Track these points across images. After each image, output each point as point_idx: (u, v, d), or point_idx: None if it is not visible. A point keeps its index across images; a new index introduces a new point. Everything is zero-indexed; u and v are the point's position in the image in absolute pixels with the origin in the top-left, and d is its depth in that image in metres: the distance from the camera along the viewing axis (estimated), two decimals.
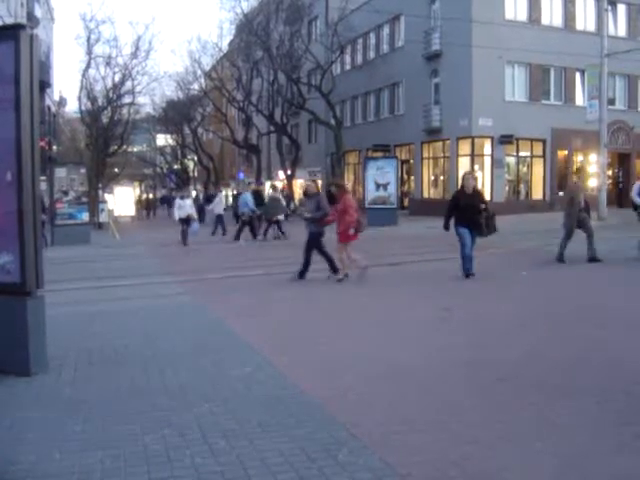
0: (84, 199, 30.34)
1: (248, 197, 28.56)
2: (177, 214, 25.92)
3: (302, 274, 14.69)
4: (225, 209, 33.58)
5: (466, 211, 13.94)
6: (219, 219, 31.49)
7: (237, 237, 27.12)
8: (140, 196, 77.87)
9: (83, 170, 31.55)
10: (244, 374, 7.26)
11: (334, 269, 14.71)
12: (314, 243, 14.77)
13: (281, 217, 27.85)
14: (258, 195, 31.04)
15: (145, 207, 63.90)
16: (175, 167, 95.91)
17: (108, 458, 5.05)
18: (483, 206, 14.07)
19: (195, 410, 6.11)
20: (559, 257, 15.88)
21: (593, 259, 15.54)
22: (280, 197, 30.35)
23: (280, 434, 5.44)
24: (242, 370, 7.40)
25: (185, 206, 25.90)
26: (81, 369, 7.73)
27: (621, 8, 40.72)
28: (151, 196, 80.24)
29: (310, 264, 14.69)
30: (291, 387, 6.75)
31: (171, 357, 8.15)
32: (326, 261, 14.80)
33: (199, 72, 63.53)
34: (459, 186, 15.11)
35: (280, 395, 6.50)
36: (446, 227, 14.50)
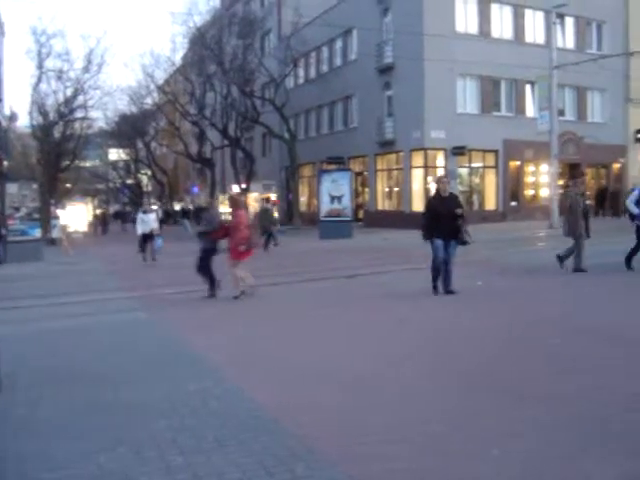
0: (36, 215, 29.97)
1: None
2: (140, 229, 24.69)
3: (213, 291, 14.41)
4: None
5: (443, 218, 12.88)
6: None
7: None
8: (95, 211, 76.85)
9: (35, 186, 31.30)
10: (200, 389, 7.18)
11: (212, 290, 14.37)
12: (205, 259, 14.38)
13: (275, 228, 29.49)
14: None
15: (101, 222, 61.83)
16: (128, 182, 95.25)
17: (63, 478, 4.98)
18: (460, 211, 13.03)
19: (151, 427, 6.04)
20: (577, 267, 15.32)
21: (578, 269, 15.25)
22: (272, 209, 31.18)
23: (237, 449, 5.38)
24: (198, 385, 7.32)
25: (148, 221, 24.78)
26: (34, 388, 7.60)
27: (569, 21, 41.39)
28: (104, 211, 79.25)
29: (215, 279, 14.40)
30: (248, 401, 6.70)
31: (126, 373, 8.06)
32: (207, 280, 14.42)
33: (152, 86, 63.26)
34: (433, 191, 14.24)
35: (237, 409, 6.45)
36: (427, 237, 13.13)
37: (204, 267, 14.36)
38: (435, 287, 13.17)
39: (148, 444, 5.59)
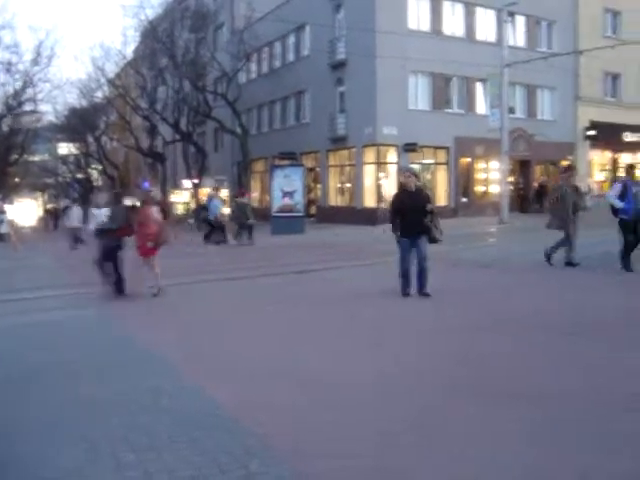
0: None
1: (218, 203, 30.80)
2: (91, 225, 23.88)
3: (120, 289, 13.90)
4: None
5: (410, 214, 12.18)
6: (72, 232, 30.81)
7: (212, 240, 29.08)
8: (46, 206, 75.61)
9: None
10: (154, 386, 7.13)
11: (119, 290, 13.87)
12: (110, 256, 13.82)
13: (251, 222, 29.20)
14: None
15: (53, 217, 60.65)
16: (79, 176, 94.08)
17: (14, 476, 4.95)
18: (430, 207, 12.40)
19: (104, 425, 5.98)
20: (568, 260, 15.28)
21: (569, 263, 15.25)
22: (249, 203, 31.43)
23: (191, 446, 5.35)
24: (152, 382, 7.27)
25: (101, 216, 23.83)
26: None
27: (520, 19, 41.79)
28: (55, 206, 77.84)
29: (122, 276, 13.90)
30: (202, 399, 6.67)
31: (78, 371, 7.96)
32: (114, 279, 13.85)
33: (103, 79, 62.41)
34: (398, 186, 13.60)
35: (191, 407, 6.42)
36: (396, 230, 12.46)
37: (109, 265, 13.80)
38: (407, 294, 12.30)
39: (100, 442, 5.54)
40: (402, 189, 12.91)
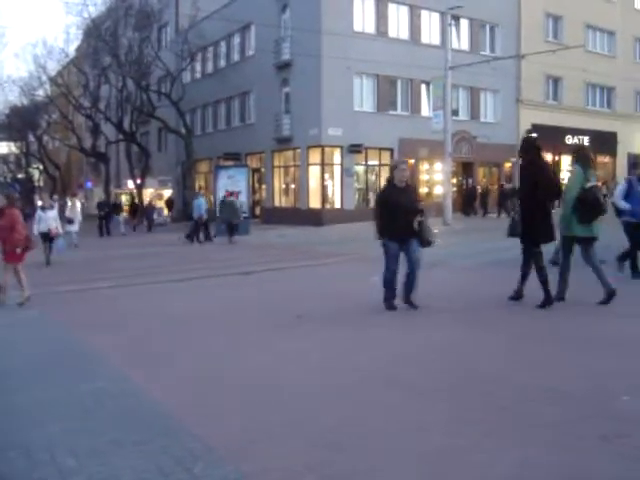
0: None
1: (202, 201, 31.35)
2: (37, 228, 21.49)
3: None
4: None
5: (400, 213, 10.58)
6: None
7: (191, 238, 29.99)
8: None
9: None
10: (96, 389, 7.02)
11: None
12: None
13: (237, 220, 30.46)
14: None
15: None
16: (19, 176, 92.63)
17: None
18: (422, 205, 11.02)
19: (43, 429, 5.86)
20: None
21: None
22: (236, 201, 31.70)
23: (133, 450, 5.27)
24: (94, 385, 7.15)
25: (47, 219, 21.79)
26: None
27: (464, 23, 42.21)
28: None
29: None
30: (145, 401, 6.58)
31: (17, 375, 7.81)
32: None
33: (44, 77, 61.68)
34: (386, 180, 11.54)
35: (134, 410, 6.33)
36: (382, 233, 10.77)
37: None
38: (391, 306, 10.80)
39: (40, 447, 5.41)
40: (390, 184, 11.00)
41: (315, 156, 38.80)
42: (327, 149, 38.23)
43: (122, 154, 56.81)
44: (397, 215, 10.56)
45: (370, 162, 40.14)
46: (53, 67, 60.08)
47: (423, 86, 40.44)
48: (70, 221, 28.20)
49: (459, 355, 7.93)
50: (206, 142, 48.85)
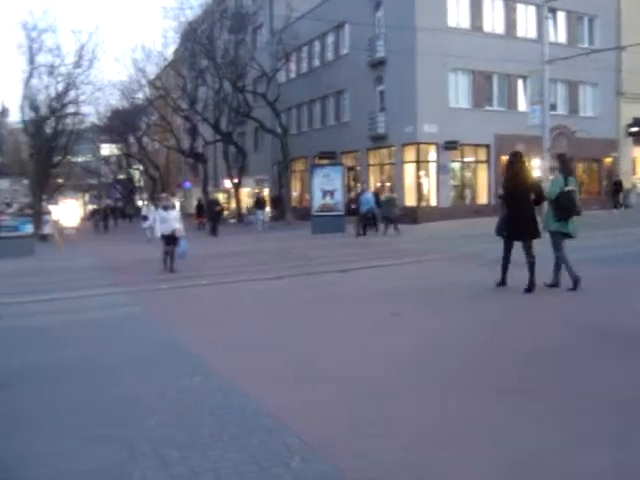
0: (28, 211, 29.84)
1: (370, 196, 32.22)
2: (159, 230, 19.49)
3: None
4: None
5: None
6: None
7: (360, 233, 30.79)
8: (98, 205, 74.65)
9: (26, 181, 31.13)
10: (193, 384, 7.16)
11: None
12: None
13: (394, 215, 31.15)
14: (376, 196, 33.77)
15: (103, 218, 56.92)
16: (120, 177, 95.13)
17: (55, 474, 4.97)
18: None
19: (144, 423, 6.01)
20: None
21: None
22: (395, 198, 32.84)
23: (231, 444, 5.37)
24: (191, 380, 7.30)
25: (169, 219, 19.50)
26: (26, 385, 7.55)
27: (561, 15, 41.40)
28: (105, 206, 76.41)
29: None
30: (242, 396, 6.68)
31: (118, 370, 8.02)
32: None
33: (143, 81, 63.08)
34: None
35: (230, 405, 6.43)
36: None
37: None
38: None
39: (141, 440, 5.56)
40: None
41: (410, 153, 38.64)
42: (422, 146, 38.03)
43: (219, 154, 57.62)
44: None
45: (466, 159, 39.78)
46: (152, 70, 61.41)
47: (520, 81, 39.88)
48: None
49: None
50: (301, 141, 49.19)
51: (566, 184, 11.95)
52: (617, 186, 42.48)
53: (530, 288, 11.84)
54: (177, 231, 19.20)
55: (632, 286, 12.17)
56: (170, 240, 19.21)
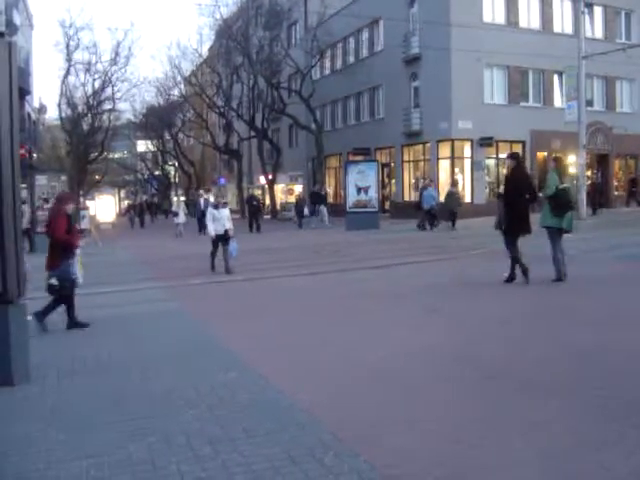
0: None
1: (433, 192, 32.56)
2: (212, 229, 18.06)
3: None
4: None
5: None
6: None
7: (423, 226, 31.52)
8: (135, 201, 73.96)
9: (64, 177, 31.47)
10: (228, 380, 7.24)
11: None
12: None
13: (457, 209, 31.72)
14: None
15: (139, 213, 55.19)
16: (156, 173, 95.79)
17: (93, 467, 5.03)
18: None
19: (179, 417, 6.10)
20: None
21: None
22: (457, 192, 33.38)
23: (265, 439, 5.42)
24: (226, 376, 7.38)
25: (222, 218, 17.97)
26: (64, 378, 7.68)
27: (597, 10, 41.04)
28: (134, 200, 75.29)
29: None
30: (275, 392, 6.74)
31: (154, 364, 8.12)
32: None
33: (179, 78, 63.63)
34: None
35: (265, 400, 6.50)
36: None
37: None
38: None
39: (176, 434, 5.65)
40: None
41: (445, 150, 38.52)
42: (457, 143, 37.91)
43: (254, 150, 57.82)
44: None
45: (501, 155, 39.49)
46: (187, 67, 61.91)
47: (555, 77, 39.57)
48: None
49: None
50: (336, 137, 49.18)
51: (561, 182, 12.73)
52: (633, 183, 42.20)
53: (510, 279, 12.93)
54: (229, 231, 17.71)
55: None
56: (222, 239, 17.81)
